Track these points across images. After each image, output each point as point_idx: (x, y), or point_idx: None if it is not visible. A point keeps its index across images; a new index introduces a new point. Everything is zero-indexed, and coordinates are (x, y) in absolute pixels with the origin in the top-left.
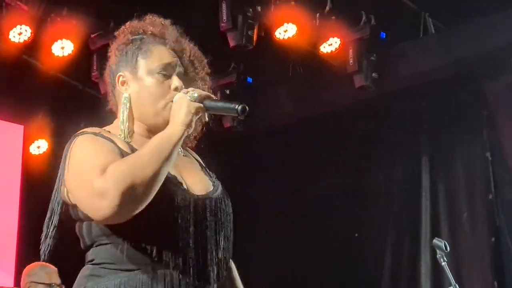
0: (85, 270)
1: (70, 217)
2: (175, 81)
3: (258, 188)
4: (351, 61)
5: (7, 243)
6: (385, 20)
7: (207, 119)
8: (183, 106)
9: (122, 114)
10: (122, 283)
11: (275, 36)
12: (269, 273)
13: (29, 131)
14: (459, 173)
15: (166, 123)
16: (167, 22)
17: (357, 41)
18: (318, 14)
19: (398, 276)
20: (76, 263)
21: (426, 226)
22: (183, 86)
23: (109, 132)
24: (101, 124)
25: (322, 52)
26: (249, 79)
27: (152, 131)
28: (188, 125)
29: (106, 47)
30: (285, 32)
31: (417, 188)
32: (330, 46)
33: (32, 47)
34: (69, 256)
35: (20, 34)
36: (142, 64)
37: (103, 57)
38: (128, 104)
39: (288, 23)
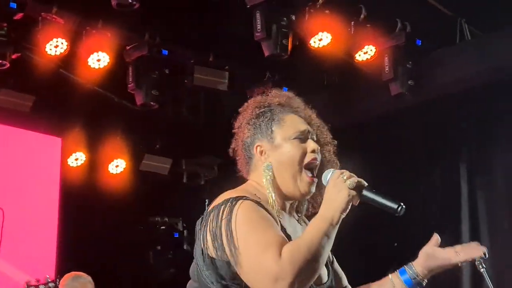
0: None
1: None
2: (312, 144)
3: None
4: (386, 69)
5: (47, 254)
6: (421, 27)
7: (356, 205)
8: (343, 192)
9: (268, 184)
10: None
11: (310, 45)
12: None
13: (66, 144)
14: (499, 181)
15: (301, 196)
16: (291, 93)
17: (392, 48)
18: (353, 22)
19: (438, 285)
20: None
21: (466, 234)
22: (319, 149)
23: (260, 199)
24: (137, 134)
25: (357, 60)
26: (285, 89)
27: (287, 198)
28: (345, 211)
29: (141, 58)
30: (320, 40)
31: (456, 196)
32: (365, 54)
33: (68, 60)
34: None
35: (56, 47)
36: (278, 132)
37: (139, 68)
38: (271, 173)
39: (322, 31)
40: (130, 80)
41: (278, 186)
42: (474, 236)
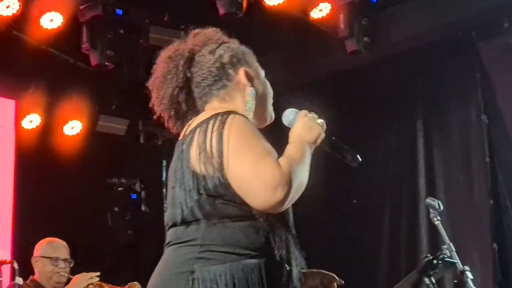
0: (189, 253)
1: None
2: None
3: None
4: (342, 26)
5: (3, 218)
6: None
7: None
8: (315, 127)
9: (252, 107)
10: (232, 271)
11: (265, 2)
12: None
13: (21, 106)
14: (455, 136)
15: (264, 123)
16: None
17: (347, 5)
18: None
19: (397, 239)
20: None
21: (423, 188)
22: None
23: None
24: (92, 95)
25: (312, 17)
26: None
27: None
28: (315, 145)
29: (95, 18)
30: None
31: (413, 152)
32: (320, 11)
33: (20, 20)
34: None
35: (8, 7)
36: (260, 71)
37: (93, 29)
38: (254, 101)
39: None
40: (84, 40)
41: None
42: (431, 190)
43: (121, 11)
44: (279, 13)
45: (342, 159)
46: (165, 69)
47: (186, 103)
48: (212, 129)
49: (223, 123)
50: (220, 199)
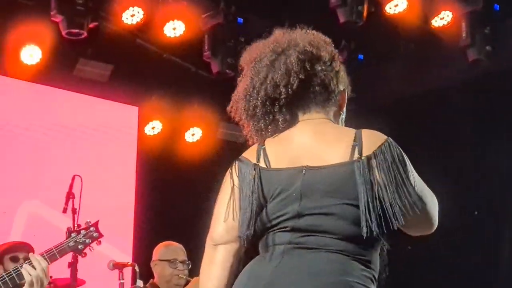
0: (366, 271)
1: None
2: None
3: None
4: (464, 35)
5: (125, 223)
6: None
7: None
8: None
9: None
10: None
11: (385, 11)
12: None
13: (143, 112)
14: None
15: None
16: None
17: (469, 14)
18: None
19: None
20: None
21: None
22: None
23: None
24: (213, 103)
25: (433, 26)
26: (360, 56)
27: None
28: None
29: (217, 27)
30: (396, 6)
31: None
32: (442, 20)
33: (144, 29)
34: None
35: (132, 16)
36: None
37: (215, 37)
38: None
39: None
40: (206, 48)
41: None
42: None
43: (242, 19)
44: (399, 21)
45: None
46: (273, 55)
47: (286, 99)
48: (397, 151)
49: (400, 149)
50: None
